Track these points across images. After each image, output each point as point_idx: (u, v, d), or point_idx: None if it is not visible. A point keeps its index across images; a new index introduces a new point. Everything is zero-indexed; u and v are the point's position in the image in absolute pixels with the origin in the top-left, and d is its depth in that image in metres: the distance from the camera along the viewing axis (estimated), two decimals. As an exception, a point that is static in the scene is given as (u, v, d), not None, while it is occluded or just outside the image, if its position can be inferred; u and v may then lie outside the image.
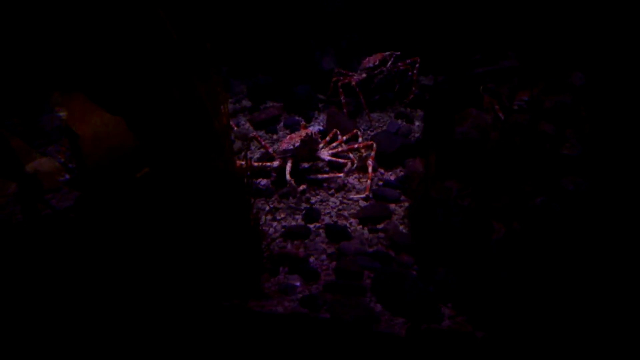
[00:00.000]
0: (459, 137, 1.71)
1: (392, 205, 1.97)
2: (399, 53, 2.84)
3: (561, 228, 1.42)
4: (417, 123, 2.69)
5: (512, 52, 2.36)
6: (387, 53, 2.80)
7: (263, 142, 2.30)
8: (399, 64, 2.83)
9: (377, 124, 2.72)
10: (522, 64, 2.31)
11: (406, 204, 1.94)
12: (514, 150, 1.63)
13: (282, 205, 2.04)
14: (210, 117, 1.37)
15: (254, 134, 2.41)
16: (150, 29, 1.24)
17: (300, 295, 1.55)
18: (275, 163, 2.16)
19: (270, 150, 2.30)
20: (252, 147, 2.50)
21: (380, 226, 1.86)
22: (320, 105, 2.96)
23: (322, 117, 2.82)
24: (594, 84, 2.01)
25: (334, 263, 1.69)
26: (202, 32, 1.32)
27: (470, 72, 2.29)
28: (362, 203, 2.02)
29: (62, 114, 1.97)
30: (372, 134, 2.58)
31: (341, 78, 2.82)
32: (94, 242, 1.53)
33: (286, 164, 2.10)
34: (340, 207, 2.02)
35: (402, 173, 2.19)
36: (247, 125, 2.81)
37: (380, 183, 2.15)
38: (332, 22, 3.06)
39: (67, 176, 1.96)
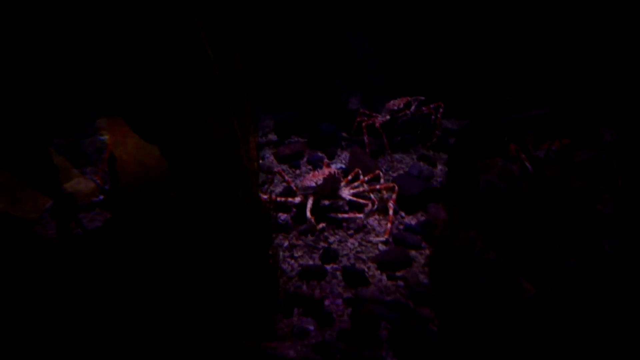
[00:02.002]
0: (484, 186, 1.65)
1: (413, 252, 1.89)
2: (423, 98, 2.87)
3: (598, 293, 1.30)
4: (439, 167, 2.65)
5: (546, 100, 2.32)
6: (412, 98, 2.84)
7: (286, 177, 2.31)
8: (423, 108, 2.86)
9: (398, 165, 2.70)
10: (553, 112, 2.26)
11: (427, 252, 1.86)
12: (544, 204, 1.55)
13: (300, 242, 2.01)
14: (240, 149, 1.38)
15: (278, 168, 2.44)
16: (194, 61, 1.27)
17: (314, 340, 1.47)
18: (297, 199, 2.15)
19: (293, 185, 2.31)
20: (275, 180, 2.52)
21: (399, 273, 1.77)
22: (343, 143, 2.99)
23: (345, 155, 2.83)
24: (626, 140, 1.93)
25: (350, 309, 1.61)
26: (243, 67, 1.35)
27: (499, 118, 2.25)
28: (382, 247, 1.95)
29: (105, 137, 2.07)
30: (394, 175, 2.55)
31: (365, 118, 2.86)
32: (114, 266, 1.53)
33: (307, 200, 2.08)
34: (358, 249, 1.96)
35: (423, 218, 2.12)
36: (272, 158, 2.85)
37: (401, 227, 2.09)
38: (360, 66, 3.15)
39: (101, 197, 2.01)
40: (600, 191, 1.72)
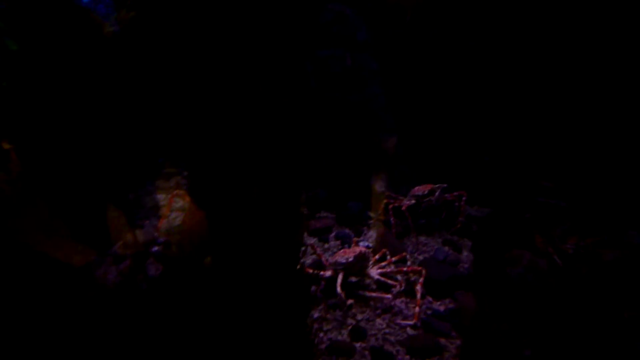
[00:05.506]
0: (514, 279, 1.67)
1: (442, 340, 1.83)
2: (445, 185, 3.04)
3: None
4: (465, 253, 2.67)
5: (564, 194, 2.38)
6: (435, 186, 3.01)
7: (318, 251, 2.39)
8: (446, 195, 3.01)
9: (424, 248, 2.74)
10: (570, 206, 2.32)
11: (458, 342, 1.80)
12: (576, 302, 1.54)
13: (329, 316, 1.99)
14: (303, 222, 1.48)
15: (310, 242, 2.54)
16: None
17: None
18: (328, 273, 2.20)
19: (323, 259, 2.37)
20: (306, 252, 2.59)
21: (429, 362, 1.70)
22: (369, 222, 3.11)
23: (371, 233, 2.92)
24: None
25: (379, 396, 1.53)
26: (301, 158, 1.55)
27: (527, 200, 2.27)
28: (410, 331, 1.91)
29: (160, 196, 2.38)
30: (420, 257, 2.58)
31: (392, 201, 3.02)
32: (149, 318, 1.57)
33: (337, 275, 2.13)
34: (386, 330, 1.92)
35: (451, 305, 2.08)
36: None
37: (429, 312, 2.05)
38: (387, 156, 3.46)
39: (156, 248, 2.16)
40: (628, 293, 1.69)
